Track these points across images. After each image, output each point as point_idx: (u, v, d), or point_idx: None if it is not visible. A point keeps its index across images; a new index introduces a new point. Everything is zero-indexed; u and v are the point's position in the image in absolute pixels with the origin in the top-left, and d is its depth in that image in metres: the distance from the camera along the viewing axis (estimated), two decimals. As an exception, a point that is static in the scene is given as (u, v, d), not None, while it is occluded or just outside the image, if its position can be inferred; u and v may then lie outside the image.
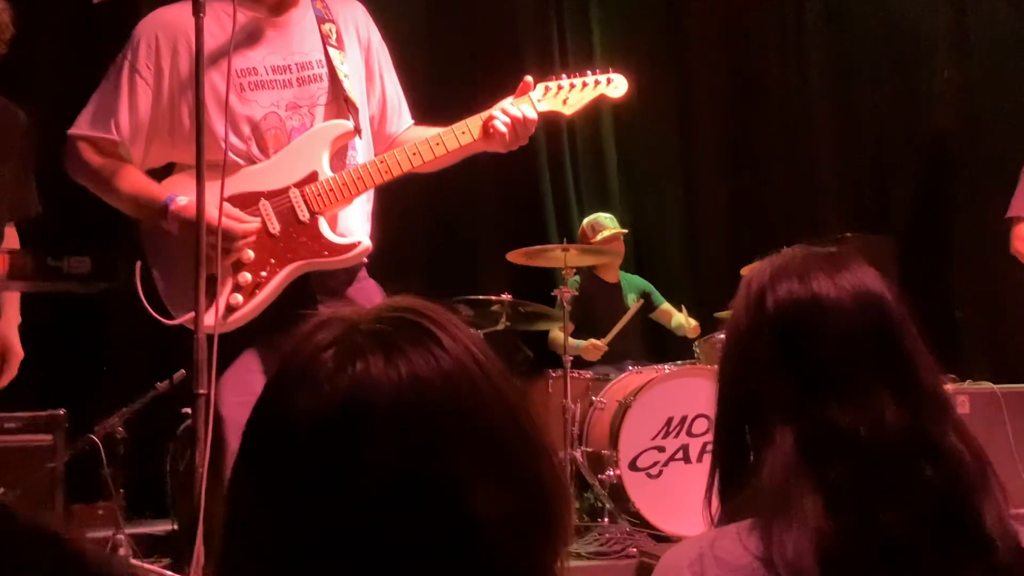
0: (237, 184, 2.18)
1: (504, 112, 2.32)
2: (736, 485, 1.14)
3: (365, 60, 2.43)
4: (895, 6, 6.02)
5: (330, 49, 2.32)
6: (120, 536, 3.43)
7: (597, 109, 6.20)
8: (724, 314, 4.97)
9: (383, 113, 2.49)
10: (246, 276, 2.19)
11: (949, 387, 4.75)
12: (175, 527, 3.75)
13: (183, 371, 2.44)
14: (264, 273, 2.21)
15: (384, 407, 0.73)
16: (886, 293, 1.15)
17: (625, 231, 5.20)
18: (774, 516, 1.04)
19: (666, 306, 5.32)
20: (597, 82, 2.45)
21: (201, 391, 1.91)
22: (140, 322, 2.22)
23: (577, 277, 5.16)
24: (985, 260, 5.65)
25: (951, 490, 1.05)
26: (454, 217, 5.27)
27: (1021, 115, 5.44)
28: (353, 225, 2.33)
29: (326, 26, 2.35)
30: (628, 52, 5.63)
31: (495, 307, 4.52)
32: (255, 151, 2.25)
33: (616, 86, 2.47)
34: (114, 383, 4.23)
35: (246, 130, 2.24)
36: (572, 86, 2.42)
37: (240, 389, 2.11)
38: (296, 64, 2.29)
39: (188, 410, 2.00)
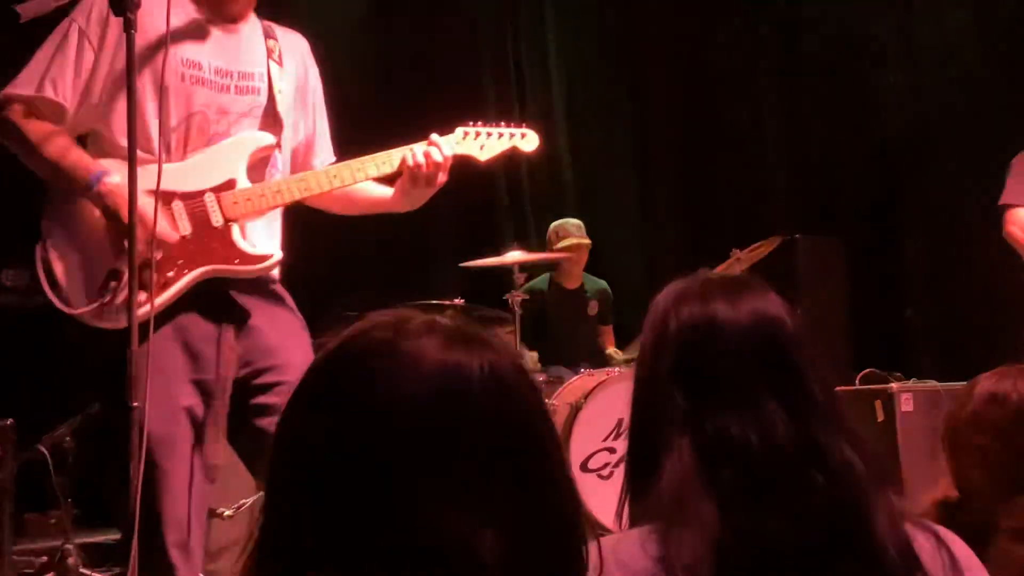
0: (151, 179, 2.12)
1: (423, 146, 2.39)
2: (644, 492, 1.18)
3: (300, 90, 2.46)
4: (844, 11, 6.12)
5: (271, 64, 2.35)
6: (69, 546, 3.41)
7: (551, 109, 6.31)
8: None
9: (310, 145, 2.52)
10: (152, 276, 2.12)
11: (895, 385, 4.87)
12: (120, 535, 3.74)
13: (96, 405, 2.41)
14: (171, 273, 2.18)
15: (477, 392, 0.77)
16: (784, 316, 1.21)
17: (587, 241, 5.19)
18: (672, 521, 1.08)
19: (609, 328, 5.37)
20: (512, 135, 2.57)
21: (134, 404, 1.91)
22: (85, 332, 2.21)
23: (545, 275, 5.19)
24: (933, 260, 5.76)
25: (840, 497, 1.10)
26: (407, 221, 5.26)
27: (967, 117, 5.55)
28: (263, 238, 2.32)
29: (271, 42, 2.39)
30: (583, 58, 5.71)
31: (448, 311, 4.53)
32: (175, 145, 2.23)
33: (529, 141, 2.60)
34: (62, 394, 4.20)
35: (175, 120, 2.22)
36: (489, 134, 2.53)
37: (163, 401, 2.08)
38: (238, 72, 2.30)
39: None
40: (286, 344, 2.29)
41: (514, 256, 4.40)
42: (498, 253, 4.42)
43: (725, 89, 6.43)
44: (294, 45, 2.47)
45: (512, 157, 2.65)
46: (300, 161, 2.49)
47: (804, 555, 1.07)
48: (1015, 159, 3.90)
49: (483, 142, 2.51)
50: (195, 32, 2.26)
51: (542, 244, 5.33)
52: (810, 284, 5.91)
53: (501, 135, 2.55)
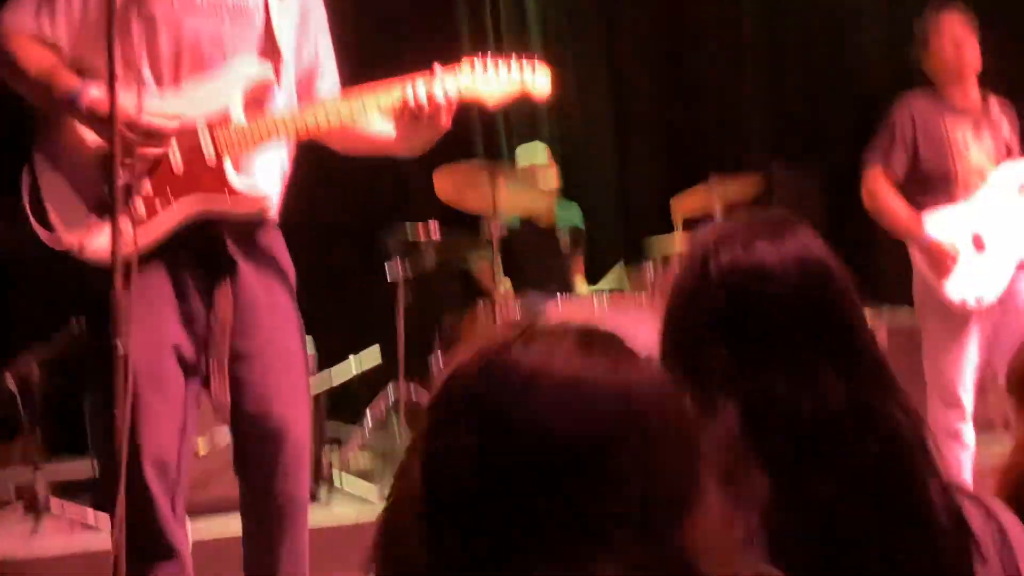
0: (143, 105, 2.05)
1: (426, 81, 2.23)
2: None
3: (301, 15, 2.33)
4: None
5: None
6: (38, 479, 3.35)
7: (527, 36, 6.16)
8: (653, 240, 4.99)
9: (313, 73, 2.39)
10: (140, 207, 2.07)
11: (867, 314, 4.90)
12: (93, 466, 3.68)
13: (81, 319, 2.35)
14: (158, 205, 2.10)
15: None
16: (831, 260, 1.13)
17: (553, 186, 5.03)
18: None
19: (579, 258, 5.28)
20: (522, 69, 2.33)
21: (118, 343, 1.83)
22: (52, 259, 2.12)
23: (516, 217, 5.10)
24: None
25: (894, 464, 1.05)
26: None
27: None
28: (260, 176, 2.23)
29: None
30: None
31: (424, 240, 4.45)
32: (167, 74, 2.14)
33: (540, 79, 2.36)
34: (28, 323, 4.09)
35: (164, 49, 2.13)
36: (498, 68, 2.30)
37: (150, 336, 2.05)
38: (232, 1, 2.19)
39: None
40: (269, 291, 2.24)
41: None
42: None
43: (707, 21, 6.31)
44: None
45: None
46: (303, 89, 2.37)
47: (857, 524, 1.01)
48: (888, 114, 3.63)
49: (491, 79, 2.30)
50: None
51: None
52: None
53: (511, 68, 2.33)
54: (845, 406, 1.05)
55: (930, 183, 3.56)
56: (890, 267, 6.31)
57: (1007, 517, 1.11)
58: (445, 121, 2.27)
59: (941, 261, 3.46)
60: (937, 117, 3.57)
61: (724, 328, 1.10)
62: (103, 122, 1.96)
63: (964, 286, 3.48)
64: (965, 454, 3.55)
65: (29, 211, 2.07)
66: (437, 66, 2.26)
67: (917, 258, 3.57)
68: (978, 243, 3.51)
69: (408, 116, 2.25)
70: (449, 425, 0.73)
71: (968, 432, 3.55)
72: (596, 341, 0.77)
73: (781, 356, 1.07)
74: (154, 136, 2.07)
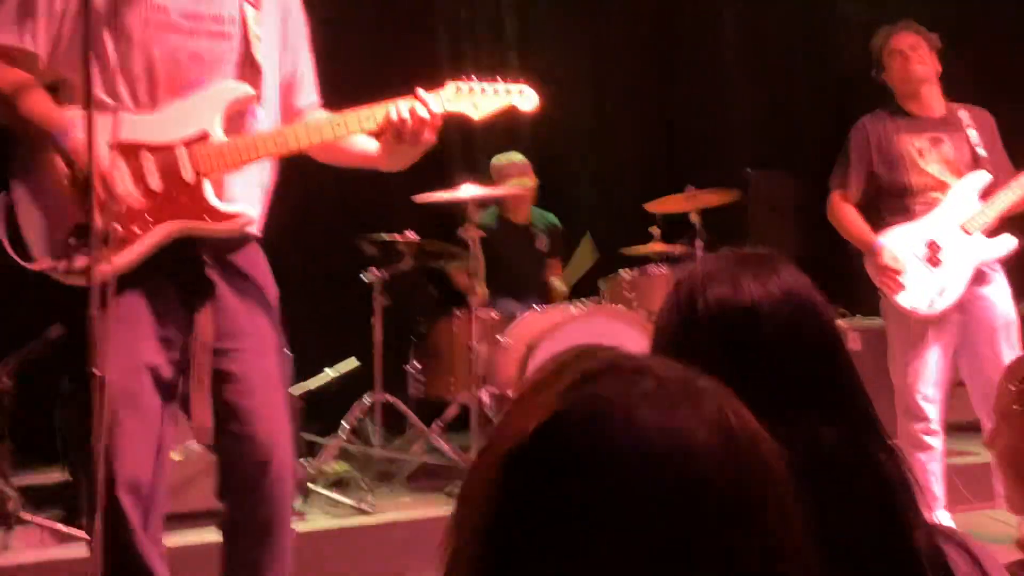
0: (120, 130, 2.02)
1: (409, 102, 2.22)
2: None
3: (282, 27, 2.30)
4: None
5: (246, 6, 2.19)
6: (8, 490, 3.30)
7: (503, 35, 6.14)
8: (630, 250, 5.01)
9: (292, 85, 2.36)
10: (117, 228, 2.04)
11: (841, 323, 4.92)
12: (69, 478, 3.64)
13: (58, 326, 2.32)
14: (137, 229, 2.08)
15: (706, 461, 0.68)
16: (815, 297, 1.13)
17: (530, 185, 5.04)
18: None
19: (556, 261, 5.32)
20: (509, 91, 2.37)
21: (95, 371, 1.80)
22: (23, 271, 2.09)
23: (493, 208, 5.09)
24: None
25: (881, 510, 1.04)
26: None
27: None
28: (241, 195, 2.20)
29: None
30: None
31: (400, 246, 4.44)
32: (142, 93, 2.11)
33: (527, 98, 2.39)
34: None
35: (139, 68, 2.09)
36: (484, 91, 2.33)
37: (127, 357, 2.02)
38: (210, 16, 2.15)
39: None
40: (250, 312, 2.22)
41: (467, 190, 4.30)
42: (450, 187, 4.31)
43: (688, 23, 6.33)
44: None
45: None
46: (284, 102, 2.34)
47: (841, 563, 1.01)
48: (848, 137, 3.78)
49: (476, 100, 2.32)
50: None
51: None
52: (762, 219, 5.92)
53: (497, 91, 2.35)
54: (835, 448, 1.05)
55: (889, 198, 3.68)
56: (864, 277, 6.38)
57: (990, 563, 1.12)
58: (428, 137, 2.26)
59: (890, 277, 3.57)
60: (892, 134, 3.69)
61: (713, 367, 1.09)
62: (81, 167, 1.94)
63: (916, 295, 3.56)
64: (934, 462, 3.60)
65: (3, 235, 2.03)
66: (419, 90, 2.25)
67: (871, 272, 3.68)
68: (934, 251, 3.58)
69: (391, 134, 2.23)
70: (531, 467, 0.69)
71: (935, 439, 3.61)
72: (675, 380, 0.73)
73: (770, 395, 1.06)
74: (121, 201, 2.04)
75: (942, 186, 3.61)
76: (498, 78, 2.38)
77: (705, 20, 6.33)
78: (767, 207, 5.93)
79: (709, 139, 6.21)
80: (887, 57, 3.73)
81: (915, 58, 3.67)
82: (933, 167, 3.63)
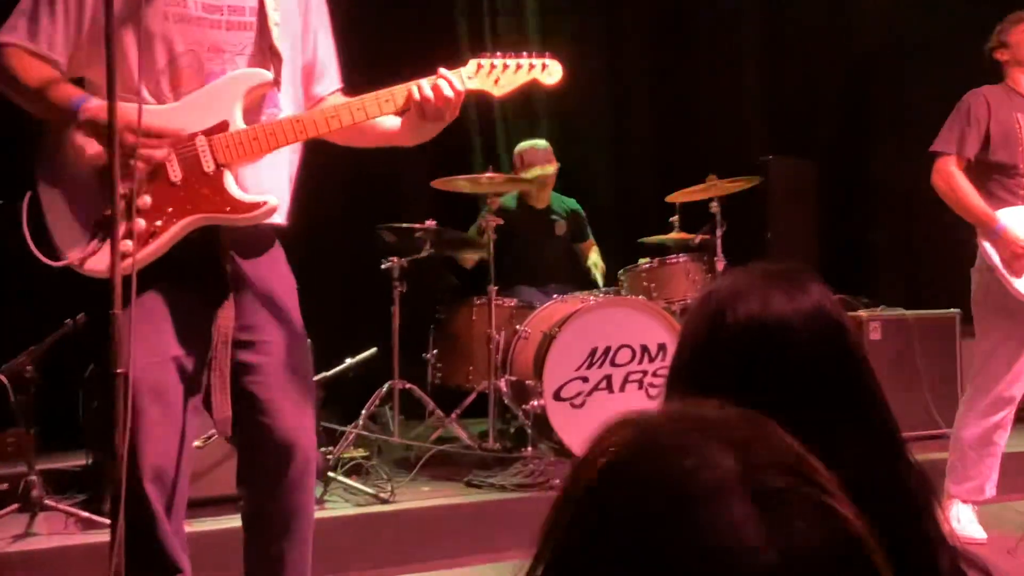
0: (142, 121, 2.01)
1: (431, 81, 2.21)
2: None
3: (303, 13, 2.30)
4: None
5: None
6: (33, 477, 3.34)
7: (521, 25, 6.11)
8: (649, 240, 5.00)
9: (312, 71, 2.36)
10: (140, 223, 2.04)
11: (863, 313, 4.88)
12: (88, 462, 3.68)
13: (82, 315, 2.33)
14: (159, 222, 2.08)
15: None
16: (842, 316, 1.13)
17: (553, 169, 5.05)
18: None
19: (589, 242, 5.32)
20: (532, 66, 2.33)
21: (119, 370, 1.81)
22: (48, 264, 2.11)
23: (512, 195, 5.09)
24: (904, 187, 5.75)
25: (906, 531, 1.04)
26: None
27: (942, 41, 5.47)
28: (267, 184, 2.19)
29: None
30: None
31: (419, 234, 4.45)
32: (165, 88, 2.11)
33: (550, 72, 2.36)
34: (23, 322, 4.07)
35: (161, 63, 2.10)
36: (506, 67, 2.30)
37: (151, 350, 2.04)
38: (228, 6, 2.15)
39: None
40: (272, 303, 2.22)
41: (486, 178, 4.30)
42: (470, 174, 4.31)
43: (704, 12, 6.28)
44: None
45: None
46: (302, 89, 2.34)
47: None
48: (961, 102, 3.59)
49: (498, 75, 2.29)
50: None
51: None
52: (781, 206, 5.89)
53: (519, 67, 2.31)
54: (860, 466, 1.05)
55: (996, 174, 3.52)
56: (886, 264, 6.34)
57: None
58: (451, 113, 2.25)
59: (1017, 256, 3.41)
60: (1009, 110, 3.55)
61: (739, 383, 1.09)
62: (103, 128, 1.93)
63: None
64: (1001, 441, 3.55)
65: (27, 232, 2.04)
66: (441, 69, 2.24)
67: (988, 252, 3.49)
68: None
69: (415, 112, 2.23)
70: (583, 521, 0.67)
71: (1003, 435, 3.54)
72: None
73: (797, 413, 1.05)
74: (153, 135, 2.04)
75: None
76: (523, 54, 2.34)
77: (724, 6, 6.28)
78: (786, 193, 5.89)
79: (727, 125, 6.17)
80: (1015, 35, 3.56)
81: None
82: None
